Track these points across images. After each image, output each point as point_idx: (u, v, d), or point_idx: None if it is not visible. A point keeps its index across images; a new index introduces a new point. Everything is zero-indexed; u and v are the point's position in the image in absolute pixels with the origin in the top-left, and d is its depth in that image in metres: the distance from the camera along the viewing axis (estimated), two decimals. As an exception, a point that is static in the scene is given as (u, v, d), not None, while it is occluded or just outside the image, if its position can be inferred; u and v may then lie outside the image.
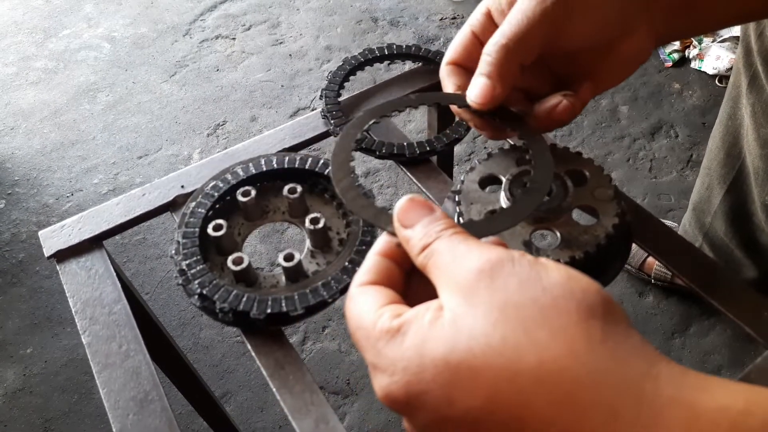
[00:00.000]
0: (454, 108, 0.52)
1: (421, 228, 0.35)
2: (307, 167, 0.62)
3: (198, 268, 0.55)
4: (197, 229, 0.58)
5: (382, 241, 0.37)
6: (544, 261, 0.31)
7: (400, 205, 0.36)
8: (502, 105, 0.49)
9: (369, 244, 0.56)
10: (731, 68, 1.03)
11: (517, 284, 0.30)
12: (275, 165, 0.63)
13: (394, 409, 0.31)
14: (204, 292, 0.53)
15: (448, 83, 0.51)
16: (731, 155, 1.04)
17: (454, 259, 0.32)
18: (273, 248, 1.56)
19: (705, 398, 0.26)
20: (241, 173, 0.62)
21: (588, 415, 0.26)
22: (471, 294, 0.30)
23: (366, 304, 0.33)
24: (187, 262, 0.55)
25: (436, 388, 0.29)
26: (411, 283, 0.37)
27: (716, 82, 1.89)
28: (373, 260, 0.37)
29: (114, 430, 0.51)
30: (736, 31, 1.87)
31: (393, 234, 0.37)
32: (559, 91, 0.50)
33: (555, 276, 0.30)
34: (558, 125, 0.52)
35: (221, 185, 0.61)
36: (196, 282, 0.54)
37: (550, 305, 0.28)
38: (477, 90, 0.47)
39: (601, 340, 0.27)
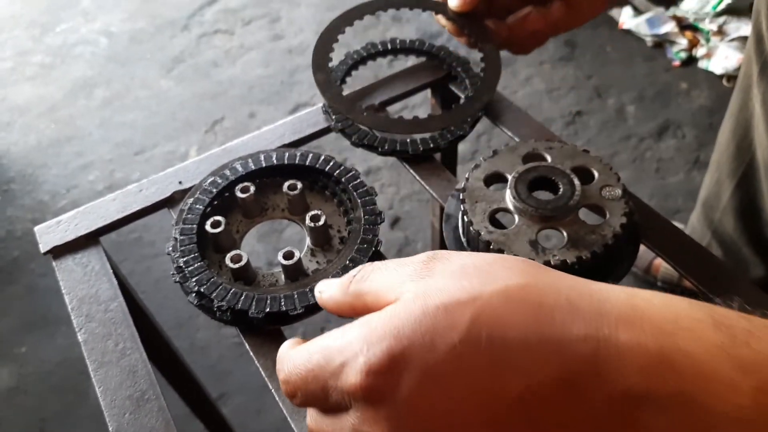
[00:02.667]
0: (437, 16, 0.65)
1: (336, 282, 0.37)
2: (307, 164, 0.61)
3: (196, 265, 0.53)
4: (195, 226, 0.56)
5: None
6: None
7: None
8: (476, 19, 0.63)
9: (370, 242, 0.55)
10: (739, 68, 1.02)
11: (466, 255, 0.34)
12: (275, 161, 0.62)
13: (375, 389, 0.30)
14: (202, 289, 0.52)
15: None
16: (741, 148, 1.03)
17: (386, 266, 0.35)
18: (271, 248, 1.55)
19: (636, 290, 0.32)
20: (240, 169, 0.61)
21: (554, 312, 0.30)
22: (426, 273, 0.33)
23: (308, 343, 0.34)
24: (185, 259, 0.54)
25: (418, 338, 0.30)
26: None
27: (724, 81, 1.87)
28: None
29: (110, 429, 0.50)
30: (744, 30, 1.86)
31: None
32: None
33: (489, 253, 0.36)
34: (531, 40, 0.64)
35: (220, 181, 0.60)
36: (194, 279, 0.53)
37: (499, 258, 0.34)
38: None
39: (549, 269, 0.33)
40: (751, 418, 0.27)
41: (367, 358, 0.30)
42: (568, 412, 0.29)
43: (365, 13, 0.67)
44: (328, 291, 0.37)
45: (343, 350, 0.31)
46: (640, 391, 0.28)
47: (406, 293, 0.32)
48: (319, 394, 0.32)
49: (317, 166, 0.61)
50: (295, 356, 0.34)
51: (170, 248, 0.56)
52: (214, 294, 0.52)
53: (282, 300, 0.51)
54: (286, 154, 0.62)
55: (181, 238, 0.55)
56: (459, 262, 0.33)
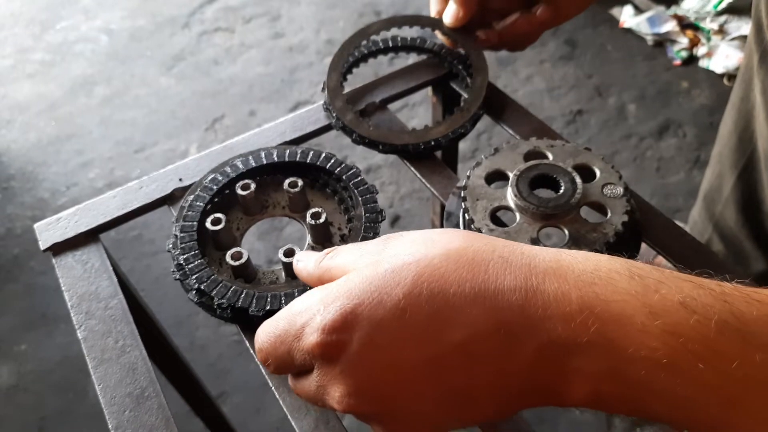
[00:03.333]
0: (435, 31, 0.71)
1: (312, 254, 0.42)
2: (308, 161, 0.61)
3: (196, 262, 0.53)
4: (195, 223, 0.56)
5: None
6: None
7: (296, 257, 0.45)
8: (468, 32, 0.69)
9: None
10: (739, 66, 1.01)
11: (417, 232, 0.38)
12: (276, 158, 0.61)
13: (330, 347, 0.34)
14: (202, 287, 0.52)
15: (432, 7, 0.70)
16: (743, 140, 1.03)
17: (352, 246, 0.39)
18: (271, 246, 1.55)
19: (563, 250, 0.35)
20: (241, 166, 0.61)
21: (488, 267, 0.33)
22: (382, 248, 0.37)
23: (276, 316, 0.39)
24: (185, 256, 0.54)
25: (367, 296, 0.33)
26: None
27: (725, 81, 1.87)
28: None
29: (110, 426, 0.50)
30: (745, 30, 1.86)
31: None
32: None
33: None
34: (521, 40, 0.70)
35: (220, 178, 0.60)
36: (194, 277, 0.52)
37: (446, 231, 0.37)
38: (448, 14, 0.68)
39: (488, 236, 0.37)
40: (661, 357, 0.29)
41: (323, 317, 0.34)
42: (503, 358, 0.32)
43: (368, 35, 0.71)
44: (303, 262, 0.42)
45: (303, 313, 0.35)
46: (565, 337, 0.31)
47: (362, 264, 0.36)
48: (287, 358, 0.37)
49: (318, 163, 0.61)
50: (266, 325, 0.38)
51: (170, 245, 0.56)
52: (215, 291, 0.51)
53: (282, 298, 0.51)
54: (287, 152, 0.62)
55: (182, 235, 0.55)
56: (410, 237, 0.37)
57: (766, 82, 0.90)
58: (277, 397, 0.50)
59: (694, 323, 0.30)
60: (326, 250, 0.41)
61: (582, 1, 0.67)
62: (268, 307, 0.51)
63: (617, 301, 0.31)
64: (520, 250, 0.34)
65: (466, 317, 0.32)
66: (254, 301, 0.51)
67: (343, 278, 0.35)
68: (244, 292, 0.51)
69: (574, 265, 0.33)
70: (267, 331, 0.38)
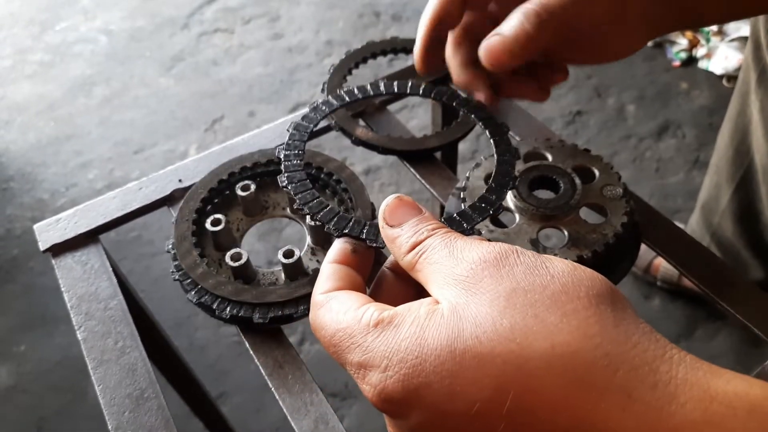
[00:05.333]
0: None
1: (409, 226, 0.34)
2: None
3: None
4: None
5: (336, 249, 0.37)
6: (546, 255, 0.31)
7: (387, 204, 0.35)
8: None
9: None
10: (739, 68, 1.02)
11: (524, 272, 0.29)
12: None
13: (386, 409, 0.29)
14: (203, 300, 0.52)
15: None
16: (740, 153, 1.03)
17: (451, 253, 0.31)
18: (271, 246, 1.55)
19: (720, 382, 0.25)
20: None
21: (602, 398, 0.25)
22: (473, 284, 0.29)
23: (342, 305, 0.32)
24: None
25: (437, 380, 0.27)
26: (377, 295, 0.36)
27: (724, 82, 1.87)
28: (332, 268, 0.36)
29: (109, 427, 0.50)
30: (744, 31, 1.86)
31: (354, 238, 0.37)
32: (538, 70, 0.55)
33: (560, 265, 0.29)
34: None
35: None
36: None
37: (559, 290, 0.28)
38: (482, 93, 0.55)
39: (613, 323, 0.27)
40: None
41: (383, 379, 0.28)
42: None
43: (371, 50, 0.71)
44: (400, 237, 0.34)
45: (364, 350, 0.30)
46: None
47: (445, 302, 0.29)
48: (339, 361, 0.32)
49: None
50: (321, 321, 0.33)
51: (170, 246, 0.56)
52: (216, 305, 0.52)
53: (285, 305, 0.51)
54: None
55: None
56: (510, 284, 0.28)
57: (765, 101, 0.91)
58: (277, 397, 0.50)
59: None
60: (411, 240, 0.33)
61: (610, 56, 0.52)
62: (270, 315, 0.51)
63: None
64: (652, 380, 0.25)
65: None
66: (257, 309, 0.51)
67: (417, 327, 0.28)
68: (247, 303, 0.51)
69: (728, 421, 0.24)
70: (324, 328, 0.32)
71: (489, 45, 0.44)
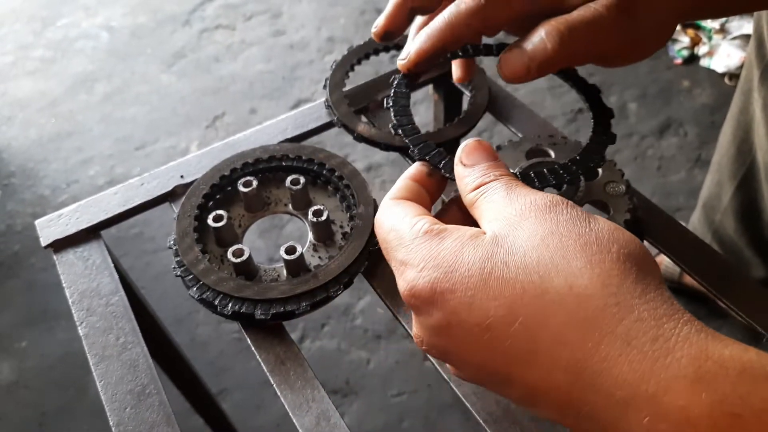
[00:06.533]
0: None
1: (480, 169, 0.37)
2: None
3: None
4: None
5: (415, 167, 0.41)
6: (593, 215, 0.33)
7: (466, 143, 0.38)
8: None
9: (372, 241, 0.55)
10: (741, 66, 1.01)
11: (567, 220, 0.31)
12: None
13: (413, 305, 0.33)
14: (205, 296, 0.52)
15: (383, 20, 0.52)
16: (742, 151, 1.03)
17: (508, 196, 0.34)
18: (272, 243, 1.55)
19: (718, 345, 0.26)
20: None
21: (602, 341, 0.27)
22: (519, 221, 0.32)
23: (403, 211, 0.36)
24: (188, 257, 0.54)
25: (461, 290, 0.30)
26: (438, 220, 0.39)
27: (726, 80, 1.87)
28: (406, 182, 0.40)
29: (111, 423, 0.50)
30: (747, 29, 1.85)
31: (433, 166, 0.40)
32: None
33: (603, 223, 0.31)
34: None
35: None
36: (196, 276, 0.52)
37: (593, 241, 0.30)
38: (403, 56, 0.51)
39: (634, 280, 0.28)
40: None
41: (417, 277, 0.32)
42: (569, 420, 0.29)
43: (373, 47, 0.71)
44: (469, 177, 0.37)
45: (409, 250, 0.33)
46: None
47: (489, 232, 0.32)
48: (387, 257, 0.36)
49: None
50: (382, 219, 0.37)
51: (171, 242, 0.56)
52: (218, 301, 0.51)
53: (287, 302, 0.51)
54: (289, 149, 0.62)
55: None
56: (550, 227, 0.31)
57: (767, 99, 0.90)
58: (279, 394, 0.50)
59: None
60: (478, 180, 0.36)
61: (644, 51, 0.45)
62: (272, 311, 0.51)
63: None
64: (654, 334, 0.26)
65: (546, 381, 0.28)
66: (259, 305, 0.51)
67: (459, 242, 0.32)
68: (249, 299, 0.51)
69: (719, 380, 0.24)
70: (381, 225, 0.37)
71: (507, 58, 0.43)
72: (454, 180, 0.39)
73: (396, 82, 0.47)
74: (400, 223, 0.35)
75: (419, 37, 0.45)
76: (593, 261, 0.29)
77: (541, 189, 0.38)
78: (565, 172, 0.40)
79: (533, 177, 0.39)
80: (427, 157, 0.41)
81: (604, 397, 0.26)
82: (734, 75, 1.85)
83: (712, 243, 1.21)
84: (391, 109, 0.45)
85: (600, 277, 0.28)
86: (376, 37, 0.51)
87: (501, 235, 0.31)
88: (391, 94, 0.46)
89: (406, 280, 0.33)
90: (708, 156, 1.68)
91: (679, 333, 0.26)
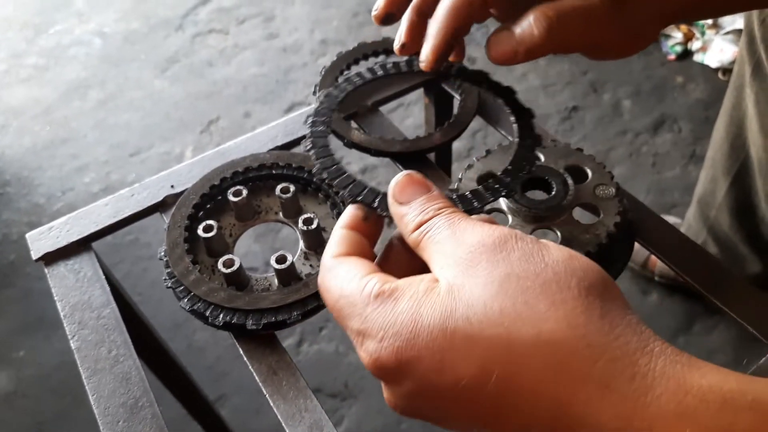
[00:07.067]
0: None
1: (417, 205, 0.34)
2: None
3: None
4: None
5: (349, 214, 0.38)
6: (545, 241, 0.31)
7: (396, 181, 0.36)
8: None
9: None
10: (734, 61, 1.01)
11: (520, 258, 0.30)
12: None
13: (380, 376, 0.31)
14: (195, 307, 0.52)
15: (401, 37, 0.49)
16: (735, 146, 1.03)
17: (453, 234, 0.32)
18: (268, 247, 1.55)
19: (696, 375, 0.26)
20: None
21: (582, 387, 0.26)
22: (471, 266, 0.30)
23: (348, 272, 0.33)
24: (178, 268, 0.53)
25: (428, 355, 0.29)
26: (384, 264, 0.37)
27: (719, 75, 1.87)
28: (342, 233, 0.37)
29: (104, 437, 0.50)
30: (739, 24, 1.85)
31: (367, 206, 0.38)
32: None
33: (557, 254, 0.30)
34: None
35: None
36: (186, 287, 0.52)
37: (551, 279, 0.29)
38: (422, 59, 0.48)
39: (600, 315, 0.28)
40: None
41: (378, 348, 0.30)
42: None
43: (362, 51, 0.71)
44: (408, 216, 0.34)
45: (363, 319, 0.31)
46: None
47: (443, 282, 0.30)
48: (340, 324, 0.33)
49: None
50: (327, 285, 0.34)
51: (162, 253, 0.56)
52: (209, 312, 0.51)
53: (279, 311, 0.51)
54: (280, 157, 0.61)
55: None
56: (505, 269, 0.29)
57: (760, 94, 0.91)
58: (272, 404, 0.50)
59: None
60: (418, 219, 0.34)
61: (600, 34, 0.43)
62: (264, 321, 0.51)
63: None
64: (631, 372, 0.26)
65: (532, 428, 0.28)
66: (250, 316, 0.51)
67: (414, 303, 0.30)
68: (240, 310, 0.51)
69: (701, 414, 0.25)
70: (329, 291, 0.34)
71: (495, 40, 0.42)
72: (391, 218, 0.37)
73: (311, 122, 0.44)
74: (347, 287, 0.32)
75: (429, 34, 0.44)
76: (556, 301, 0.28)
77: (480, 209, 0.38)
78: (500, 185, 0.40)
79: (471, 198, 0.38)
80: (359, 198, 0.38)
81: None
82: (727, 70, 1.85)
83: (707, 239, 1.21)
84: (312, 152, 0.42)
85: (566, 318, 0.27)
86: (376, 20, 0.49)
87: (456, 285, 0.30)
88: (309, 136, 0.43)
89: (368, 352, 0.31)
90: (702, 152, 1.67)
91: (655, 368, 0.26)
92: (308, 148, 0.42)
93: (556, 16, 0.40)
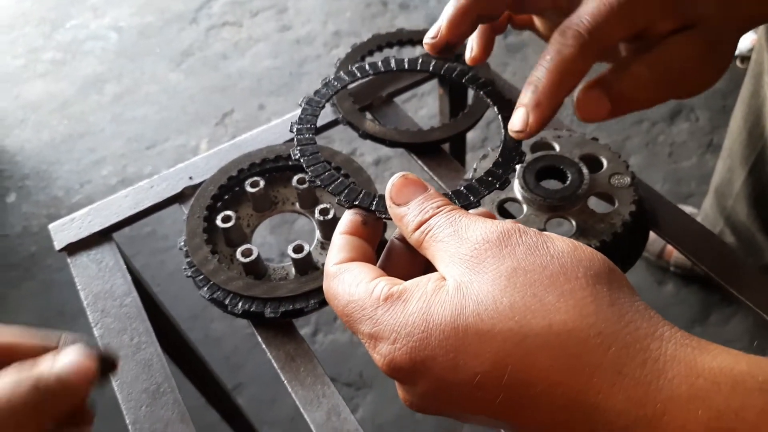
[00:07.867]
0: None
1: (415, 205, 0.35)
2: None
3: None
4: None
5: (347, 220, 0.38)
6: (548, 233, 0.32)
7: (393, 183, 0.36)
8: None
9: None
10: (753, 49, 1.00)
11: (525, 252, 0.30)
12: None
13: (395, 377, 0.31)
14: (215, 296, 0.53)
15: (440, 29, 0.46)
16: (753, 135, 1.02)
17: (456, 231, 0.32)
18: (283, 239, 1.56)
19: (707, 358, 0.26)
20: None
21: (594, 374, 0.26)
22: (477, 263, 0.30)
23: (355, 277, 0.33)
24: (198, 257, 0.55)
25: (441, 354, 0.29)
26: (386, 265, 0.37)
27: (737, 63, 1.84)
28: (343, 239, 0.37)
29: (127, 422, 0.51)
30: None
31: (364, 210, 0.38)
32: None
33: (561, 245, 0.30)
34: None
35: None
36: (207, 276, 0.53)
37: (558, 271, 0.29)
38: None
39: (609, 303, 0.28)
40: None
41: (392, 350, 0.30)
42: None
43: (377, 43, 0.71)
44: (408, 216, 0.34)
45: (374, 322, 0.31)
46: None
47: (451, 280, 0.30)
48: (351, 329, 0.33)
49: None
50: (334, 291, 0.34)
51: (182, 243, 0.57)
52: (228, 300, 0.52)
53: (296, 300, 0.52)
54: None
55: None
56: (511, 263, 0.29)
57: None
58: (290, 390, 0.51)
59: None
60: (418, 219, 0.34)
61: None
62: (282, 309, 0.52)
63: None
64: (642, 358, 0.26)
65: (548, 420, 0.28)
66: (268, 304, 0.52)
67: (424, 303, 0.30)
68: (259, 298, 0.52)
69: (713, 396, 0.25)
70: (337, 298, 0.34)
71: (585, 97, 0.41)
72: (390, 219, 0.37)
73: (296, 129, 0.44)
74: (355, 291, 0.32)
75: (445, 11, 0.43)
76: (565, 292, 0.28)
77: (477, 203, 0.38)
78: (493, 178, 0.40)
79: (466, 193, 0.39)
80: (356, 202, 0.38)
81: (605, 427, 0.26)
82: (746, 57, 1.82)
83: (724, 229, 1.20)
84: (302, 160, 0.42)
85: (576, 308, 0.28)
86: (432, 49, 0.45)
87: (464, 282, 0.30)
88: (296, 144, 0.43)
89: (381, 354, 0.31)
90: (719, 141, 1.66)
91: (666, 352, 0.26)
92: (297, 156, 0.42)
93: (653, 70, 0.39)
